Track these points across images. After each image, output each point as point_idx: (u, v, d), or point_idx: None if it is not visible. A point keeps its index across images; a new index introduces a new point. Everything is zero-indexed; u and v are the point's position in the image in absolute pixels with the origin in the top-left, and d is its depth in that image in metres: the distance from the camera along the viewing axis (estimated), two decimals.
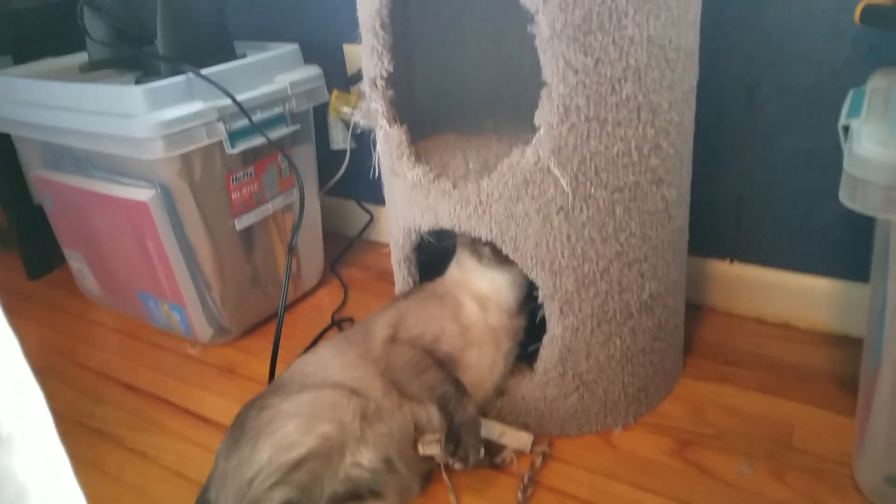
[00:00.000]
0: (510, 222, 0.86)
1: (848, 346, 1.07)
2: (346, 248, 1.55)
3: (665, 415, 0.99)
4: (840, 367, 1.03)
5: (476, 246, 0.94)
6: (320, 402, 0.83)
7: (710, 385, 1.04)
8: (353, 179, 1.43)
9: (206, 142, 1.08)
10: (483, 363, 0.92)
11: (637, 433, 0.96)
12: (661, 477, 0.88)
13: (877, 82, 0.82)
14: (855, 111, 0.74)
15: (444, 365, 0.88)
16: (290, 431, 0.80)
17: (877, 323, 0.78)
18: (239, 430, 0.83)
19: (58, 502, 0.35)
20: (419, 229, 0.96)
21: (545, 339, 0.93)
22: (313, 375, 0.89)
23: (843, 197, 0.67)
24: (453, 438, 0.84)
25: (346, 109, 1.30)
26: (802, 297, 1.12)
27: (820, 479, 0.85)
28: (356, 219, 1.57)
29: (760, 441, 0.92)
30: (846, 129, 0.71)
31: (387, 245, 1.09)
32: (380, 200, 1.16)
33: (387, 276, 1.33)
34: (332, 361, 0.91)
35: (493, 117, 1.08)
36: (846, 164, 0.67)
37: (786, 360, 1.07)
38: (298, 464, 0.78)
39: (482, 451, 0.86)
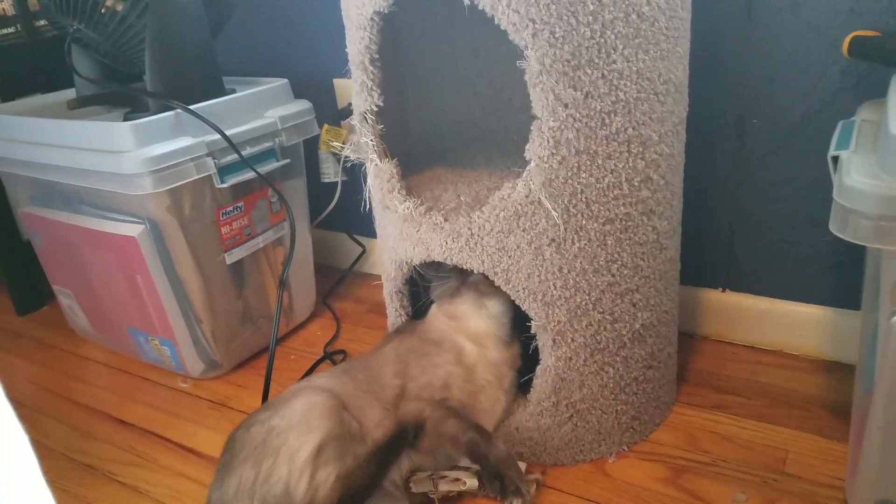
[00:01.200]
0: (502, 255, 0.86)
1: (840, 373, 1.07)
2: (338, 281, 1.54)
3: (659, 443, 0.98)
4: (833, 394, 1.03)
5: (464, 285, 0.94)
6: (313, 409, 0.82)
7: (704, 413, 1.03)
8: (345, 212, 1.43)
9: (196, 177, 1.08)
10: (491, 403, 0.93)
11: (631, 461, 0.95)
12: None
13: (865, 114, 0.83)
14: (844, 143, 0.75)
15: (460, 411, 0.88)
16: (291, 441, 0.78)
17: (868, 350, 0.78)
18: (228, 454, 0.81)
19: None
20: (411, 262, 0.96)
21: (538, 369, 0.92)
22: (304, 387, 0.88)
23: (834, 227, 0.68)
24: (496, 478, 0.84)
25: (336, 143, 1.31)
26: (794, 324, 1.12)
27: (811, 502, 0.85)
28: (348, 251, 1.57)
29: (754, 468, 0.91)
30: (835, 160, 0.72)
31: (379, 277, 1.09)
32: (371, 233, 1.15)
33: (379, 309, 1.32)
34: (325, 381, 0.90)
35: (484, 152, 1.09)
36: (836, 195, 0.67)
37: (779, 387, 1.06)
38: (321, 448, 0.78)
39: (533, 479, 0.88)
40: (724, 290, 1.18)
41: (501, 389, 0.94)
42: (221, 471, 0.80)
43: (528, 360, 0.95)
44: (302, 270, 1.36)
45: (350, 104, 1.28)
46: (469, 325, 0.96)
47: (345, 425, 0.82)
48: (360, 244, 1.54)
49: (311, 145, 1.35)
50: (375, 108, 0.90)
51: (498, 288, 0.89)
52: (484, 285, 0.93)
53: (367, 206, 1.01)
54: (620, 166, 0.82)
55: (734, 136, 1.07)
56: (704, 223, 1.14)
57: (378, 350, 0.97)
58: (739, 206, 1.11)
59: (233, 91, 1.21)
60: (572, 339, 0.89)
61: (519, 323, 0.94)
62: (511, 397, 0.96)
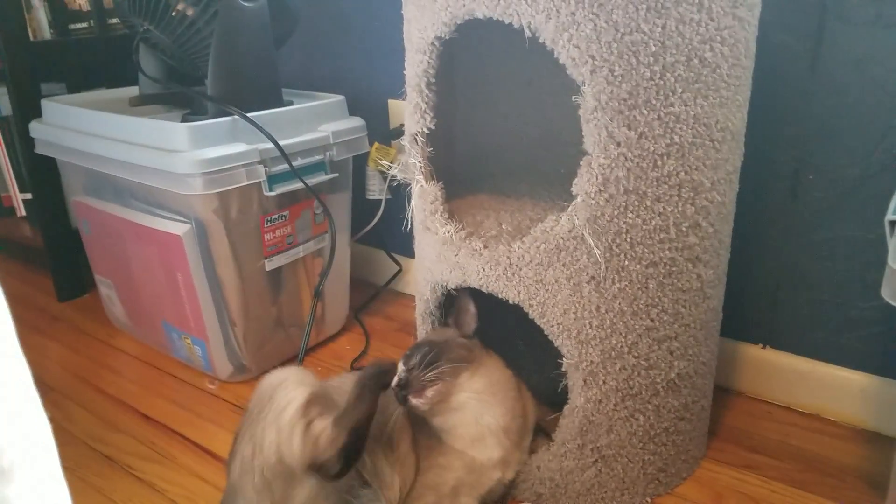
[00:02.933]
0: (539, 287, 0.85)
1: (879, 444, 1.02)
2: (371, 297, 1.54)
3: (684, 497, 0.95)
4: (870, 465, 0.98)
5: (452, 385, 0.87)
6: (291, 375, 0.83)
7: (733, 471, 0.99)
8: (385, 230, 1.44)
9: (245, 182, 1.10)
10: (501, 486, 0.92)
11: None
12: None
13: None
14: None
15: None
16: (277, 402, 0.79)
17: None
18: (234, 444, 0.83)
19: None
20: (446, 285, 0.95)
21: (566, 408, 0.90)
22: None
23: (886, 293, 0.65)
24: None
25: (384, 162, 1.32)
26: (835, 389, 1.08)
27: None
28: (384, 268, 1.57)
29: None
30: (893, 224, 0.70)
31: (412, 297, 1.09)
32: (409, 252, 1.15)
33: (409, 328, 1.32)
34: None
35: (529, 181, 1.08)
36: (892, 261, 0.65)
37: (813, 453, 1.02)
38: (309, 403, 0.78)
39: None
40: (764, 347, 1.14)
41: (511, 470, 0.92)
42: (230, 457, 0.82)
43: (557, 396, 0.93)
44: (337, 283, 1.37)
45: (401, 125, 1.30)
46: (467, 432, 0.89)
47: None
48: (397, 263, 1.54)
49: (360, 161, 1.37)
50: (427, 131, 0.91)
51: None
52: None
53: (409, 226, 1.01)
54: (669, 210, 0.80)
55: (788, 189, 1.05)
56: (750, 276, 1.11)
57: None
58: (787, 262, 1.08)
59: (290, 103, 1.23)
60: (604, 382, 0.87)
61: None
62: (526, 455, 0.94)
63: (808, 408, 1.11)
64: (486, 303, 0.93)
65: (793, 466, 0.99)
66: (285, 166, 1.13)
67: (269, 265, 1.20)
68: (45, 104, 1.32)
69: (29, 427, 0.34)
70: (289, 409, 0.77)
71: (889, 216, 0.71)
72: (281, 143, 1.11)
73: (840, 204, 1.01)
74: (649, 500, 0.94)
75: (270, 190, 1.12)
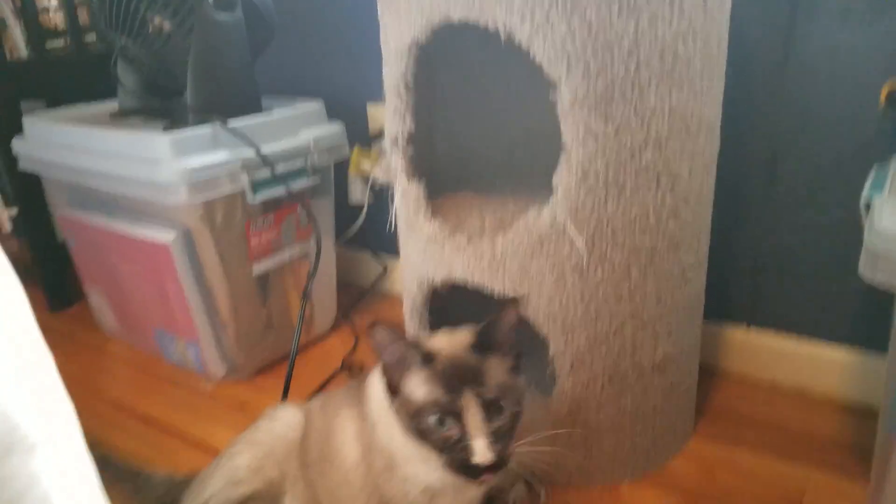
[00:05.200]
0: (524, 278, 0.87)
1: (862, 415, 1.06)
2: (359, 298, 1.56)
3: (673, 473, 0.98)
4: (853, 435, 1.02)
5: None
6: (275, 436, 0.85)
7: (721, 446, 1.03)
8: (369, 232, 1.45)
9: (229, 190, 1.11)
10: None
11: (644, 488, 0.95)
12: None
13: None
14: (878, 187, 0.75)
15: None
16: (240, 465, 0.82)
17: (894, 391, 0.78)
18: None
19: None
20: (433, 282, 0.97)
21: (555, 392, 0.93)
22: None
23: (864, 270, 0.68)
24: None
25: (366, 166, 1.33)
26: (818, 364, 1.11)
27: None
28: (370, 270, 1.59)
29: (771, 503, 0.91)
30: (868, 204, 0.73)
31: (399, 296, 1.11)
32: (393, 252, 1.17)
33: (397, 327, 1.33)
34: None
35: (510, 179, 1.10)
36: (867, 239, 0.68)
37: (799, 426, 1.06)
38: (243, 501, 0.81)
39: None
40: (748, 327, 1.18)
41: None
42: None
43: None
44: (324, 285, 1.38)
45: (381, 129, 1.32)
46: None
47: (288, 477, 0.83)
48: (382, 264, 1.56)
49: (341, 166, 1.38)
50: (407, 133, 0.92)
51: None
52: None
53: (392, 228, 1.02)
54: (649, 199, 0.83)
55: (766, 175, 1.08)
56: (732, 259, 1.14)
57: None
58: (769, 244, 1.11)
59: (269, 109, 1.24)
60: (591, 366, 0.90)
61: None
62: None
63: (792, 383, 1.15)
64: (472, 298, 0.95)
65: (780, 439, 1.03)
66: (268, 173, 1.14)
67: (257, 269, 1.22)
68: (27, 120, 1.32)
69: (54, 405, 0.36)
70: (236, 491, 0.80)
71: (864, 197, 0.74)
72: (262, 149, 1.12)
73: (816, 188, 1.04)
74: (640, 475, 0.97)
75: (254, 197, 1.14)
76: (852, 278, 0.69)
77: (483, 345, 0.68)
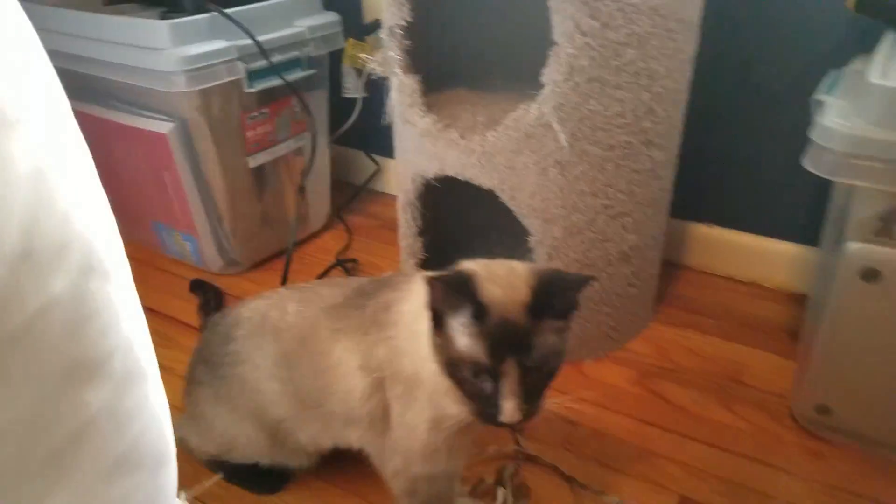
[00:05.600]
0: (510, 173, 0.93)
1: (803, 303, 1.16)
2: (352, 196, 1.61)
3: (633, 351, 1.10)
4: (794, 321, 1.13)
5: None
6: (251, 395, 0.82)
7: (677, 330, 1.14)
8: (364, 130, 1.48)
9: (226, 79, 1.13)
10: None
11: (606, 365, 1.07)
12: (622, 401, 1.00)
13: (858, 65, 0.89)
14: (831, 89, 0.81)
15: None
16: (216, 426, 0.85)
17: (823, 277, 0.87)
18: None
19: (71, 186, 0.36)
20: (426, 176, 1.03)
21: None
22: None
23: (808, 163, 0.75)
24: None
25: (361, 56, 1.35)
26: (771, 259, 1.21)
27: (762, 409, 0.97)
28: (364, 169, 1.63)
29: (714, 377, 1.04)
30: (820, 103, 0.79)
31: (392, 196, 1.16)
32: (387, 152, 1.21)
33: (390, 225, 1.39)
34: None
35: (505, 76, 1.14)
36: (812, 134, 0.74)
37: (748, 313, 1.17)
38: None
39: None
40: (710, 225, 1.26)
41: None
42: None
43: None
44: (319, 182, 1.43)
45: (376, 20, 1.33)
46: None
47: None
48: (375, 162, 1.60)
49: (335, 60, 1.40)
50: (404, 23, 0.95)
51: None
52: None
53: (387, 122, 1.07)
54: (628, 96, 0.88)
55: (739, 79, 1.13)
56: (701, 160, 1.20)
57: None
58: (736, 147, 1.18)
59: None
60: (566, 255, 0.98)
61: None
62: None
63: (747, 276, 1.25)
64: (462, 196, 1.01)
65: (729, 324, 1.14)
66: (264, 63, 1.17)
67: (253, 162, 1.26)
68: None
69: (33, 79, 0.35)
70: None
71: (816, 96, 0.80)
72: (258, 38, 1.14)
73: (785, 92, 1.10)
74: (603, 354, 1.08)
75: (250, 86, 1.17)
76: (807, 177, 0.76)
77: (540, 307, 0.61)
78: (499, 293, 0.61)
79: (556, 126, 0.88)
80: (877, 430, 0.88)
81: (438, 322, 0.63)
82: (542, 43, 0.87)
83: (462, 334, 0.61)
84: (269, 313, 0.82)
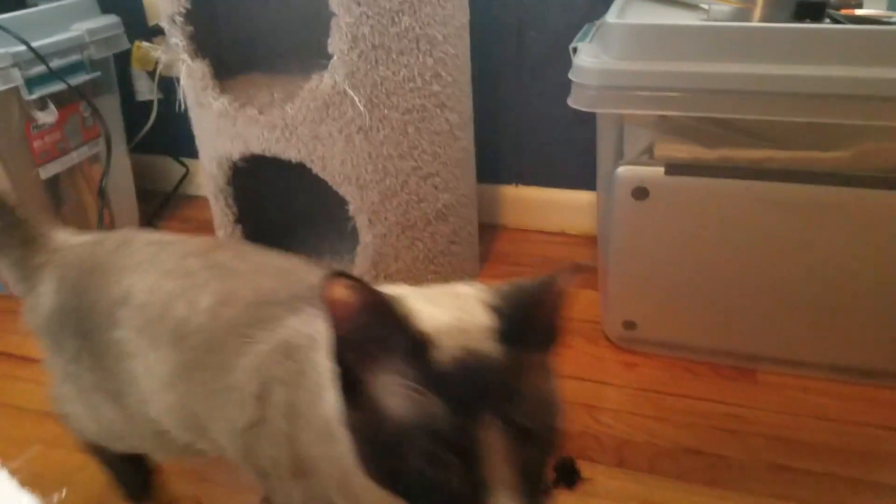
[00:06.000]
0: (316, 143, 0.97)
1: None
2: (162, 204, 1.55)
3: None
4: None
5: None
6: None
7: (500, 282, 1.22)
8: (166, 135, 1.44)
9: (2, 87, 1.06)
10: None
11: None
12: None
13: (609, 16, 1.02)
14: (584, 37, 0.93)
15: None
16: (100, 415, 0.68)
17: (606, 211, 1.00)
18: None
19: None
20: (231, 158, 1.03)
21: (358, 248, 1.05)
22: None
23: (570, 101, 0.86)
24: None
25: (149, 60, 1.32)
26: (572, 209, 1.35)
27: (579, 334, 1.09)
28: (174, 175, 1.58)
29: None
30: (575, 50, 0.90)
31: (205, 199, 1.14)
32: (194, 154, 1.19)
33: (207, 227, 1.37)
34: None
35: (298, 61, 1.16)
36: (570, 75, 0.85)
37: (561, 259, 1.29)
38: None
39: None
40: (516, 185, 1.38)
41: None
42: None
43: None
44: (122, 190, 1.37)
45: (158, 23, 1.30)
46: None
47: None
48: (183, 165, 1.56)
49: (124, 66, 1.35)
50: (184, 10, 0.95)
51: None
52: None
53: (182, 107, 1.05)
54: (413, 62, 0.95)
55: (515, 44, 1.25)
56: (498, 125, 1.31)
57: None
58: (524, 109, 1.30)
59: (35, 5, 1.18)
60: (385, 218, 1.03)
61: None
62: None
63: (556, 227, 1.38)
64: (281, 182, 1.02)
65: (544, 271, 1.24)
66: (43, 68, 1.10)
67: (44, 173, 1.18)
68: None
69: None
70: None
71: (572, 44, 0.92)
72: (33, 44, 1.08)
73: (556, 52, 1.23)
74: None
75: (30, 93, 1.10)
76: (588, 129, 0.87)
77: (514, 332, 0.42)
78: (449, 315, 0.42)
79: (350, 93, 0.93)
80: (676, 336, 1.01)
81: (351, 388, 0.41)
82: (327, 17, 0.91)
83: (397, 393, 0.39)
84: (173, 305, 0.59)
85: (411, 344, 0.39)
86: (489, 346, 0.40)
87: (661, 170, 0.87)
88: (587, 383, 0.99)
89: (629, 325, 1.01)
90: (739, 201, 0.87)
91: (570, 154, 1.31)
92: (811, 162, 0.83)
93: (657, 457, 0.86)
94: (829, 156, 0.83)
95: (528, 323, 0.43)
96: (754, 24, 0.83)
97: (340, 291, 0.39)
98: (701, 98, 0.79)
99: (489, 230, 1.37)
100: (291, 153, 0.98)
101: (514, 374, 0.40)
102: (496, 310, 0.43)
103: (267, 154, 0.99)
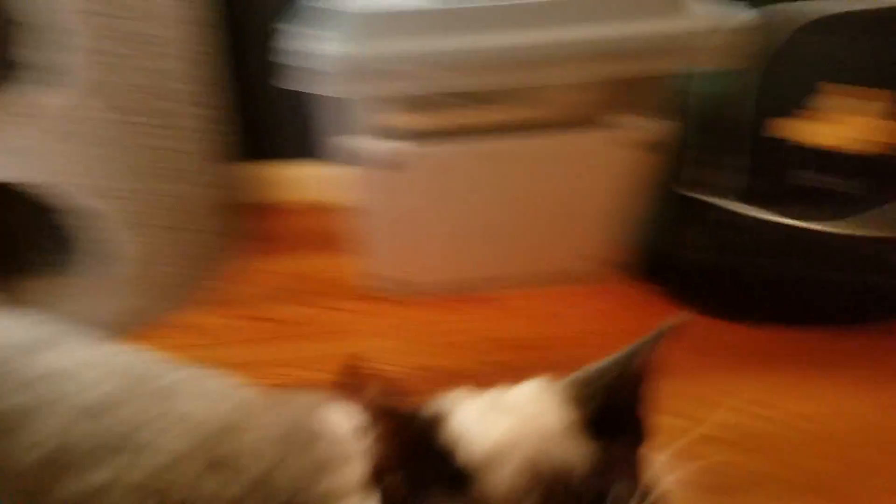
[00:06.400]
0: (56, 160, 0.91)
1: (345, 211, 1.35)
2: None
3: (229, 291, 1.18)
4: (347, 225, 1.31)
5: None
6: None
7: (264, 258, 1.27)
8: None
9: None
10: None
11: (209, 309, 1.15)
12: (235, 334, 1.11)
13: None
14: (301, 20, 0.97)
15: None
16: None
17: (358, 187, 1.09)
18: None
19: None
20: None
21: (118, 264, 1.02)
22: None
23: (315, 87, 0.92)
24: None
25: None
26: (318, 178, 1.40)
27: (351, 297, 1.16)
28: None
29: (305, 287, 1.19)
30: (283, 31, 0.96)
31: None
32: None
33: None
34: None
35: None
36: (311, 62, 0.90)
37: (316, 229, 1.34)
38: None
39: None
40: (264, 162, 1.41)
41: None
42: None
43: None
44: None
45: None
46: None
47: None
48: None
49: None
50: None
51: None
52: None
53: None
54: (148, 64, 0.94)
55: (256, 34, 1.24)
56: (238, 106, 1.30)
57: None
58: (250, 88, 1.30)
59: None
60: (146, 224, 1.02)
61: None
62: None
63: (308, 198, 1.41)
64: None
65: (304, 242, 1.31)
66: None
67: None
68: None
69: None
70: None
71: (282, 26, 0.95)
72: None
73: (270, 29, 1.23)
74: (203, 301, 1.14)
75: None
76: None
77: (608, 420, 0.35)
78: (503, 426, 0.35)
79: (90, 103, 0.89)
80: (437, 279, 1.15)
81: None
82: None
83: None
84: None
85: (453, 478, 0.33)
86: (562, 451, 0.34)
87: (404, 140, 1.01)
88: (367, 338, 1.09)
89: (395, 279, 1.14)
90: (472, 158, 1.03)
91: (307, 126, 1.33)
92: (518, 117, 1.02)
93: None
94: (529, 111, 1.03)
95: (611, 412, 0.35)
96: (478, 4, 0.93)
97: (374, 422, 0.34)
98: (436, 72, 0.90)
99: (251, 209, 1.39)
100: (31, 176, 0.91)
101: (599, 476, 0.33)
102: (576, 398, 0.36)
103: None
